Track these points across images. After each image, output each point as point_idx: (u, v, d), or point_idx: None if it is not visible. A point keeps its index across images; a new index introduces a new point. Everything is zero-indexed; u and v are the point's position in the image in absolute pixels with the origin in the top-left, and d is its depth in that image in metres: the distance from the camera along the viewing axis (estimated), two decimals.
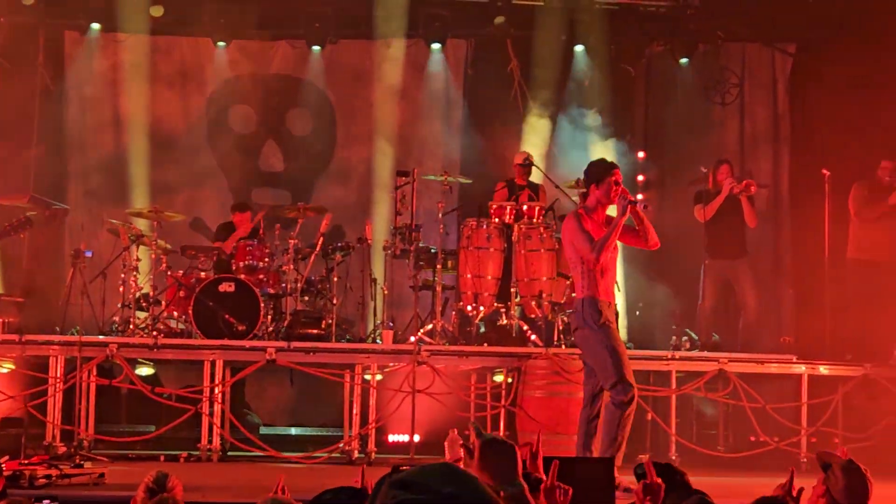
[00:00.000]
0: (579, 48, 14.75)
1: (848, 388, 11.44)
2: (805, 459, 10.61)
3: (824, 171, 12.30)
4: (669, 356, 11.44)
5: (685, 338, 12.07)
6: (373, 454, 10.62)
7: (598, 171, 8.52)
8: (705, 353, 11.71)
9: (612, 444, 8.19)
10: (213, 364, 10.71)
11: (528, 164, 12.52)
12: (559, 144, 14.30)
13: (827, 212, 12.29)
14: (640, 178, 14.42)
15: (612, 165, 8.63)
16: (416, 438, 10.63)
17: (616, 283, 12.18)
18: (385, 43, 14.46)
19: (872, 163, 12.39)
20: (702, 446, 11.29)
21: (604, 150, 14.09)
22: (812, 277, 13.17)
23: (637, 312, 13.69)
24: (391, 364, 11.04)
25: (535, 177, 12.78)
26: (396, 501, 2.02)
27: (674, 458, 10.61)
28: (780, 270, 14.79)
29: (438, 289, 11.75)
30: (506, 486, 3.17)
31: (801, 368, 11.43)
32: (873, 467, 10.56)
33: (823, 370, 11.51)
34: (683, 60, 14.91)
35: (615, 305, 8.60)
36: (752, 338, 12.33)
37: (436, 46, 14.79)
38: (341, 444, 10.90)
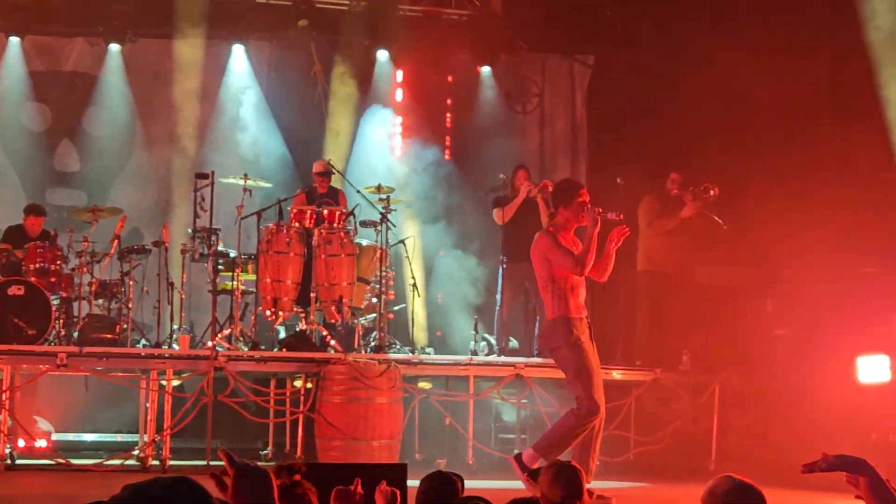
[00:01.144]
0: (383, 53, 14.78)
1: (640, 392, 11.74)
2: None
3: (619, 181, 12.60)
4: (468, 361, 11.54)
5: (483, 343, 12.18)
6: (167, 461, 10.42)
7: (566, 193, 8.63)
8: (503, 359, 11.85)
9: (558, 443, 8.38)
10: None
11: (328, 171, 12.47)
12: (362, 149, 14.29)
13: None
14: (442, 183, 14.51)
15: (579, 186, 8.76)
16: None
17: (415, 286, 12.31)
18: (186, 43, 14.19)
19: (664, 174, 12.72)
20: (499, 451, 11.42)
21: (408, 156, 14.21)
22: (606, 285, 13.46)
23: (438, 333, 13.70)
24: (188, 369, 10.85)
25: (336, 181, 12.75)
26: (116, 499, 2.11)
27: (470, 462, 10.72)
28: None
29: (237, 293, 11.61)
30: None
31: None
32: (663, 469, 10.85)
33: (617, 375, 11.78)
34: (485, 69, 15.09)
35: (587, 318, 8.68)
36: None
37: (238, 47, 14.62)
38: (135, 451, 10.66)
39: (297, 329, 11.69)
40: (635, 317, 12.82)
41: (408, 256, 12.50)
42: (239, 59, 14.66)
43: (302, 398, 10.90)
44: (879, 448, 10.19)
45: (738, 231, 12.40)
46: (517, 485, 8.20)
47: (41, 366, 10.58)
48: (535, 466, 7.87)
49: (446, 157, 14.73)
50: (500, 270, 12.41)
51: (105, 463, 10.57)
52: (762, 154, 12.70)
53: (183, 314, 12.03)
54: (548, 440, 8.49)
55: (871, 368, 10.85)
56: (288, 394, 11.15)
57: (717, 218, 12.40)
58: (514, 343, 12.37)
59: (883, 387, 10.71)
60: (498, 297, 12.41)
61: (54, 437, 11.65)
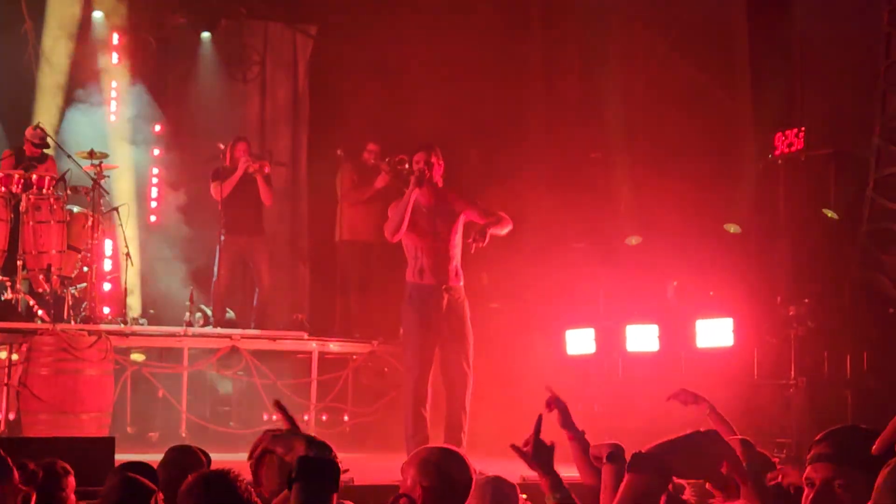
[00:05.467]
0: (98, 14, 14.24)
1: (357, 363, 11.82)
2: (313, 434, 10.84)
3: (339, 152, 12.62)
4: (182, 332, 11.34)
5: (199, 314, 11.98)
6: None
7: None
8: (219, 330, 11.70)
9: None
10: None
11: (40, 143, 11.96)
12: (74, 112, 13.77)
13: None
14: (157, 151, 14.21)
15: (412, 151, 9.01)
16: None
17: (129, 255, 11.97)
18: None
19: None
20: (214, 423, 11.29)
21: (122, 121, 13.80)
22: (325, 257, 13.50)
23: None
24: None
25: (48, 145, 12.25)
26: None
27: (184, 435, 10.54)
28: (296, 249, 15.04)
29: None
30: None
31: (312, 345, 11.69)
32: (377, 440, 10.96)
33: (334, 347, 11.82)
34: (205, 34, 14.81)
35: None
36: (267, 315, 12.44)
37: None
38: None
39: (3, 298, 11.18)
40: (347, 287, 12.86)
41: (121, 225, 12.15)
42: None
43: (7, 370, 10.46)
44: (584, 417, 10.59)
45: None
46: (237, 457, 8.10)
47: None
48: None
49: (161, 125, 14.35)
50: (218, 245, 12.21)
51: None
52: (481, 127, 12.96)
53: None
54: None
55: (577, 341, 11.27)
56: None
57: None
58: (230, 314, 12.23)
59: (588, 358, 11.13)
60: (215, 269, 12.23)
61: None
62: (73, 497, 4.91)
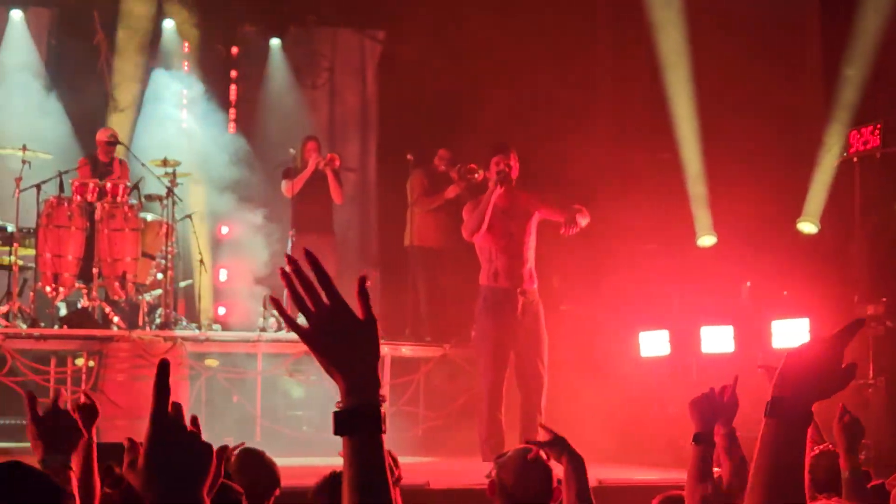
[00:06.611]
0: (169, 23, 14.41)
1: (429, 367, 11.82)
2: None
3: (409, 157, 12.63)
4: (256, 338, 11.41)
5: (272, 319, 12.05)
6: None
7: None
8: (291, 335, 11.72)
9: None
10: None
11: (112, 141, 12.12)
12: (146, 121, 13.93)
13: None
14: (230, 157, 14.32)
15: (492, 151, 9.17)
16: None
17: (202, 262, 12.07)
18: None
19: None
20: (288, 428, 11.35)
21: (195, 129, 13.93)
22: (395, 261, 13.51)
23: (219, 306, 13.49)
24: None
25: (121, 154, 12.40)
26: None
27: (258, 439, 10.59)
28: (366, 254, 15.08)
29: (15, 268, 11.18)
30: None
31: (384, 349, 11.70)
32: (450, 444, 10.95)
33: (406, 351, 11.83)
34: (274, 41, 14.91)
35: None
36: None
37: (16, 14, 14.04)
38: None
39: (79, 305, 11.34)
40: (418, 291, 12.86)
41: (194, 232, 12.27)
42: (17, 26, 14.08)
43: (84, 376, 10.60)
44: (660, 419, 10.54)
45: None
46: (309, 461, 8.15)
47: None
48: None
49: (231, 130, 14.46)
50: (290, 244, 12.30)
51: None
52: (550, 130, 12.90)
53: None
54: None
55: (651, 343, 11.18)
56: (69, 372, 10.80)
57: None
58: (303, 319, 12.25)
59: (662, 360, 11.04)
60: None
61: None
62: None
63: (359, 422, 2.08)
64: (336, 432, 2.06)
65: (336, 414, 2.08)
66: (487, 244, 8.99)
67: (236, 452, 5.02)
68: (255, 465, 4.92)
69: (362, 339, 2.09)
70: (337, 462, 2.20)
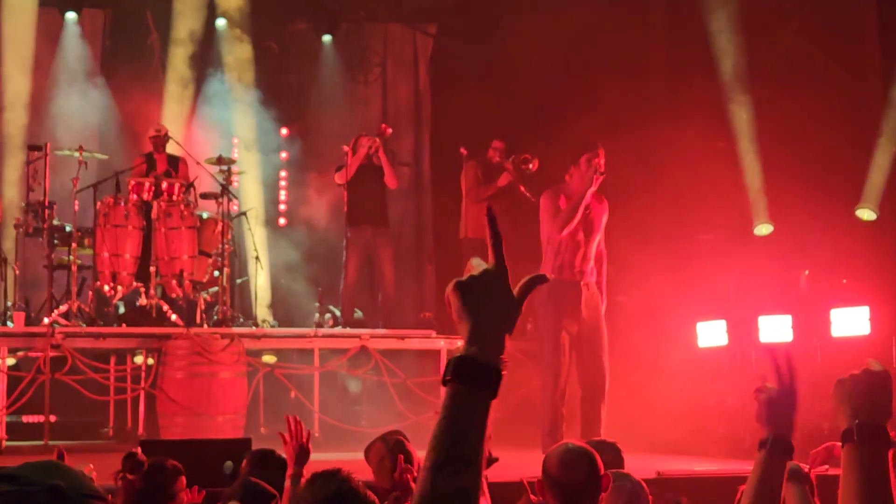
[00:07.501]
0: (221, 22, 14.47)
1: None
2: None
3: (462, 150, 12.60)
4: (313, 334, 11.45)
5: (328, 315, 12.09)
6: (2, 441, 10.13)
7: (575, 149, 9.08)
8: (348, 330, 11.77)
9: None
10: None
11: (161, 135, 12.18)
12: (201, 120, 14.02)
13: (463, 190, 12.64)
14: (284, 155, 14.40)
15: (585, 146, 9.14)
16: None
17: (258, 259, 12.13)
18: (16, 10, 13.66)
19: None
20: (346, 423, 11.37)
21: (248, 127, 14.00)
22: (450, 255, 13.49)
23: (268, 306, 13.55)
24: (23, 347, 10.53)
25: (176, 151, 12.46)
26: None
27: (317, 435, 10.63)
28: (421, 248, 15.08)
29: (74, 268, 11.30)
30: None
31: (440, 343, 11.69)
32: (509, 437, 10.94)
33: (462, 344, 11.78)
34: (326, 38, 14.94)
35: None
36: (394, 314, 12.48)
37: (70, 16, 14.16)
38: None
39: (137, 304, 11.44)
40: None
41: (250, 229, 12.33)
42: (73, 27, 14.21)
43: (143, 374, 10.70)
44: (719, 410, 10.45)
45: None
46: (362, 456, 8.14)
47: None
48: None
49: (284, 127, 14.52)
50: (345, 240, 12.31)
51: None
52: (604, 122, 12.83)
53: (17, 290, 11.68)
54: None
55: (709, 333, 11.09)
56: (129, 370, 10.90)
57: (524, 190, 12.35)
58: (359, 314, 12.31)
59: (720, 350, 10.95)
60: (343, 268, 12.32)
61: None
62: (184, 497, 4.89)
63: (476, 373, 2.01)
64: (445, 381, 1.98)
65: (457, 359, 2.01)
66: (561, 237, 9.01)
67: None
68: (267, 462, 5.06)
69: (497, 287, 2.06)
70: None
